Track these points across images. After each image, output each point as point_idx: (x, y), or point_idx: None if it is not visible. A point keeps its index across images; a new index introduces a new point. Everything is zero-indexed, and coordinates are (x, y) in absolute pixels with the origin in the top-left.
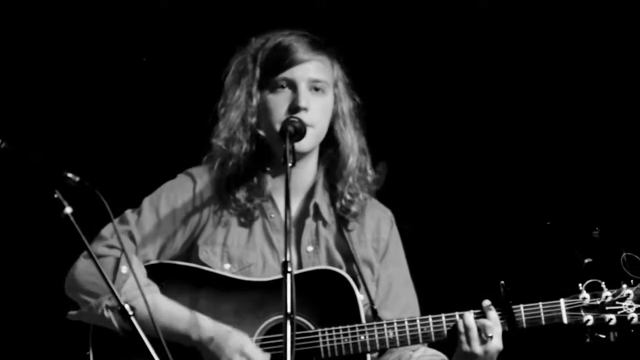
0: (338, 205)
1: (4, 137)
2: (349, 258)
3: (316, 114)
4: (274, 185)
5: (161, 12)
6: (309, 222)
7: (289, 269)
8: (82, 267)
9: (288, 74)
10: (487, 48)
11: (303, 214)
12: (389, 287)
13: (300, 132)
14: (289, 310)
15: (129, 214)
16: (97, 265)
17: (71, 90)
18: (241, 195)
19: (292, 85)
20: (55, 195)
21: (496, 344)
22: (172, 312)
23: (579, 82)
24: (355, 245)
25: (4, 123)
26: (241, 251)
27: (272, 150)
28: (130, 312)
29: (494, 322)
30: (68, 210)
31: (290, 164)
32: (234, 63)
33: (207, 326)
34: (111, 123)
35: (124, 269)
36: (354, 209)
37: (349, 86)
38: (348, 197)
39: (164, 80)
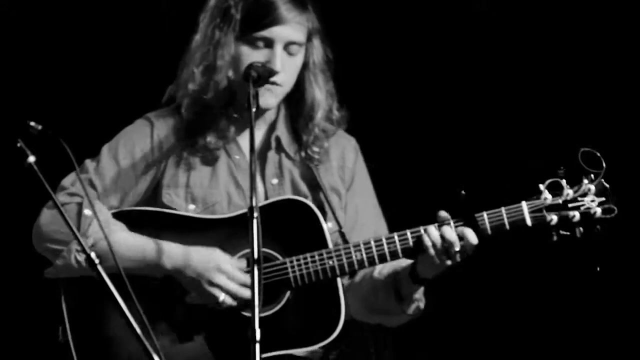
0: (303, 152)
1: None
2: (315, 187)
3: (287, 74)
4: (237, 127)
5: None
6: (272, 155)
7: (255, 214)
8: (46, 218)
9: (267, 32)
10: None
11: (265, 147)
12: (356, 215)
13: (263, 76)
14: (256, 256)
15: (88, 162)
16: (61, 212)
17: (35, 38)
18: (206, 138)
19: (269, 44)
20: (18, 144)
21: (471, 243)
22: (141, 245)
23: (576, 81)
24: (322, 173)
25: None
26: (205, 191)
27: (237, 95)
28: (97, 261)
29: (457, 234)
30: (31, 159)
31: (254, 109)
32: (213, 0)
33: (178, 252)
34: (71, 70)
35: (86, 212)
36: (316, 151)
37: (322, 37)
38: (314, 147)
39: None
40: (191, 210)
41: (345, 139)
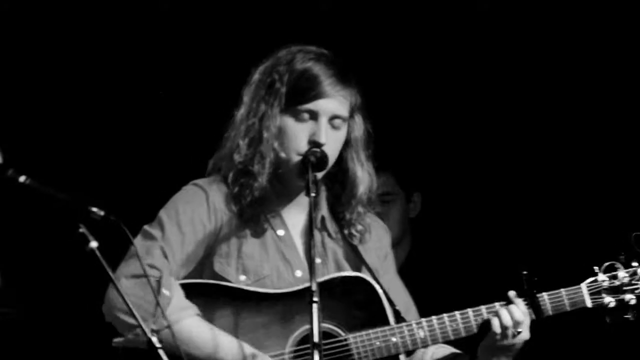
0: (346, 231)
1: (28, 174)
2: (358, 267)
3: (331, 148)
4: (282, 202)
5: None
6: (316, 234)
7: (315, 299)
8: (125, 288)
9: (312, 105)
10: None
11: (309, 227)
12: (390, 291)
13: (321, 163)
14: (316, 339)
15: (152, 229)
16: (144, 287)
17: (86, 123)
18: (252, 211)
19: (314, 117)
20: (80, 230)
21: (524, 335)
22: (209, 338)
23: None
24: (364, 253)
25: (26, 159)
26: (256, 263)
27: (285, 175)
28: (158, 346)
29: (523, 314)
30: (93, 244)
31: (313, 194)
32: (258, 74)
33: (231, 354)
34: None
35: (165, 291)
36: (359, 229)
37: (364, 113)
38: (356, 226)
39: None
40: (242, 281)
41: (376, 222)
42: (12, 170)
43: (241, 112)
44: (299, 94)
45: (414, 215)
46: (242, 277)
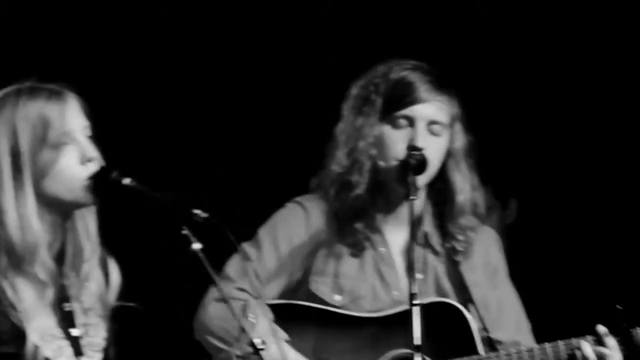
0: (448, 244)
1: (132, 175)
2: (460, 285)
3: (432, 154)
4: (383, 218)
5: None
6: (418, 250)
7: (416, 301)
8: (213, 311)
9: (408, 111)
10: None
11: (412, 243)
12: (499, 307)
13: (421, 166)
14: (418, 342)
15: (249, 249)
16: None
17: (191, 127)
18: (355, 227)
19: (411, 123)
20: (184, 232)
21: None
22: None
23: None
24: (465, 270)
25: (131, 160)
26: (352, 283)
27: (385, 185)
28: (260, 347)
29: (613, 349)
30: (197, 246)
31: (414, 197)
32: (356, 88)
33: None
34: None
35: (251, 316)
36: (461, 247)
37: (464, 124)
38: (458, 237)
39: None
40: (337, 300)
41: (487, 233)
42: (117, 173)
43: (340, 126)
44: (395, 101)
45: (510, 222)
46: (337, 297)
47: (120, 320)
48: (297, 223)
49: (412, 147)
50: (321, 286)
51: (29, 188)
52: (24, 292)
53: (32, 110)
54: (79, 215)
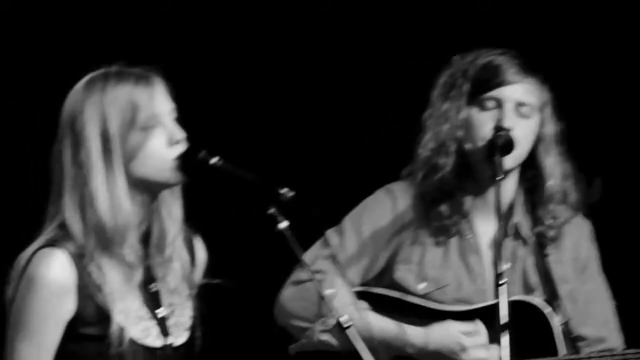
0: (536, 229)
1: (220, 154)
2: (547, 278)
3: (520, 135)
4: (472, 204)
5: None
6: (507, 241)
7: (503, 280)
8: (289, 294)
9: (496, 93)
10: None
11: (501, 233)
12: (587, 302)
13: (508, 145)
14: (504, 321)
15: (331, 235)
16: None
17: (279, 106)
18: (443, 209)
19: (499, 105)
20: (270, 211)
21: None
22: (382, 326)
23: None
24: (553, 264)
25: (217, 140)
26: (437, 271)
27: (473, 167)
28: (347, 324)
29: None
30: (283, 225)
31: (501, 177)
32: (443, 76)
33: (417, 334)
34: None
35: (328, 290)
36: (551, 233)
37: (554, 111)
38: (547, 222)
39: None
40: (421, 289)
41: (579, 225)
42: (204, 153)
43: (427, 112)
44: (483, 84)
45: (594, 201)
46: (422, 286)
47: (206, 298)
48: (383, 210)
49: (498, 128)
50: (406, 274)
51: (119, 170)
52: (110, 274)
53: (120, 94)
54: (165, 197)
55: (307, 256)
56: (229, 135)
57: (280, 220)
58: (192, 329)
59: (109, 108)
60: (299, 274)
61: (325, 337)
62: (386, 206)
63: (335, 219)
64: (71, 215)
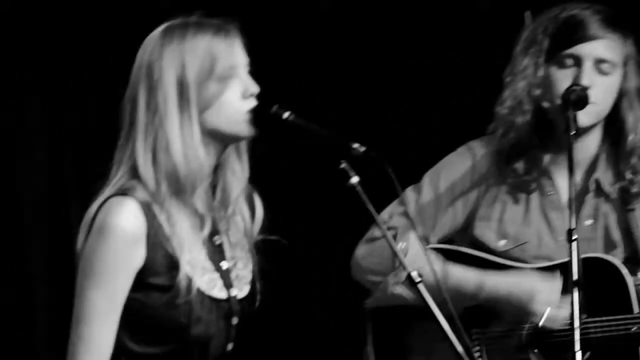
0: (618, 184)
1: (291, 109)
2: (629, 236)
3: (599, 92)
4: (552, 160)
5: None
6: (589, 197)
7: (575, 236)
8: (362, 251)
9: (574, 50)
10: None
11: (583, 189)
12: None
13: (582, 100)
14: (575, 277)
15: (409, 192)
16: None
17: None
18: (519, 166)
19: (578, 62)
20: (342, 166)
21: None
22: (459, 274)
23: None
24: (636, 221)
25: (290, 95)
26: (517, 228)
27: (552, 124)
28: (417, 279)
29: None
30: (355, 180)
31: (573, 132)
32: (526, 31)
33: (495, 282)
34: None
35: (401, 244)
36: (635, 189)
37: (639, 65)
38: (629, 176)
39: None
40: (501, 246)
41: None
42: (277, 107)
43: (507, 69)
44: (562, 40)
45: None
46: (502, 242)
47: (264, 254)
48: (461, 167)
49: (574, 84)
50: (486, 231)
51: (195, 118)
52: (180, 224)
53: (200, 43)
54: (232, 152)
55: (384, 213)
56: (300, 90)
57: (351, 176)
58: (253, 282)
59: (188, 56)
60: (373, 231)
61: (399, 289)
62: (465, 163)
63: (413, 176)
64: (143, 160)
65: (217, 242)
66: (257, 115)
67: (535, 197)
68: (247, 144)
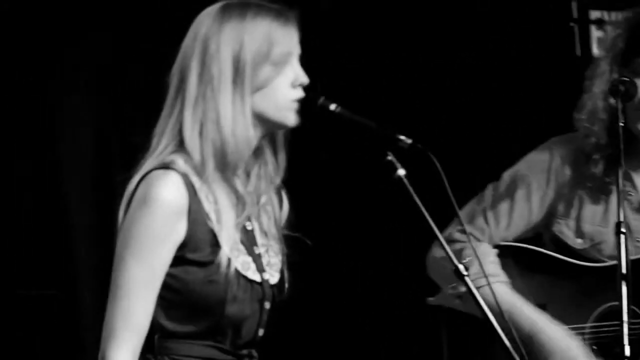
0: None
1: (338, 102)
2: None
3: None
4: (632, 163)
5: None
6: None
7: (623, 230)
8: (433, 252)
9: None
10: None
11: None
12: None
13: (629, 92)
14: (624, 270)
15: (488, 189)
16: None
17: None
18: (599, 168)
19: None
20: (388, 158)
21: None
22: (514, 316)
23: None
24: None
25: (337, 88)
26: (594, 228)
27: (625, 127)
28: (464, 273)
29: None
30: (401, 172)
31: (621, 123)
32: (610, 32)
33: (543, 343)
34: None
35: (468, 258)
36: None
37: None
38: None
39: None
40: (578, 244)
41: None
42: (323, 98)
43: (589, 70)
44: (635, 47)
45: None
46: (579, 241)
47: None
48: (540, 166)
49: (623, 75)
50: (564, 228)
51: (248, 96)
52: (221, 201)
53: (260, 26)
54: (273, 141)
55: (464, 211)
56: (345, 83)
57: (398, 168)
58: (282, 271)
59: (247, 35)
60: (450, 231)
61: (456, 301)
62: (543, 162)
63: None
64: (191, 131)
65: (249, 228)
66: (304, 106)
67: (614, 198)
68: (287, 138)
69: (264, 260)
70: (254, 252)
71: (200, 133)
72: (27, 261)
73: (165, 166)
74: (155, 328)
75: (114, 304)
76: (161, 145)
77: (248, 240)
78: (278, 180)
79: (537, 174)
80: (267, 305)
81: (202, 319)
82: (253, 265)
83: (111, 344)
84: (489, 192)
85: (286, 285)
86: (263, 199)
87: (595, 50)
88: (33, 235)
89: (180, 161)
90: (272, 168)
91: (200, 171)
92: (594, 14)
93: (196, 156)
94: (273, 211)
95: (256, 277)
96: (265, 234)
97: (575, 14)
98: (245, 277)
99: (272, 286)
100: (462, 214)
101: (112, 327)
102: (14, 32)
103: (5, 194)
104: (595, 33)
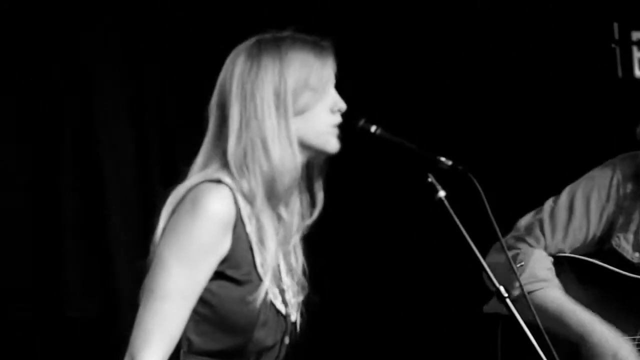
0: None
1: (378, 124)
2: None
3: None
4: None
5: None
6: None
7: None
8: (489, 257)
9: None
10: None
11: None
12: None
13: None
14: None
15: (548, 202)
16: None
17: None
18: None
19: None
20: (429, 180)
21: None
22: (555, 313)
23: None
24: None
25: (377, 111)
26: None
27: None
28: (505, 294)
29: None
30: (442, 193)
31: None
32: None
33: (592, 345)
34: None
35: (521, 262)
36: None
37: None
38: None
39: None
40: (636, 257)
41: None
42: (364, 121)
43: None
44: None
45: None
46: (637, 255)
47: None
48: (601, 182)
49: None
50: (623, 242)
51: (292, 125)
52: (266, 227)
53: (297, 56)
54: (309, 174)
55: (521, 221)
56: (383, 105)
57: (438, 189)
58: (301, 314)
59: (286, 67)
60: (507, 239)
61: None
62: (605, 178)
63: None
64: (239, 157)
65: (277, 262)
66: (344, 131)
67: None
68: (324, 172)
69: (287, 296)
70: (280, 286)
71: (248, 159)
72: (71, 282)
73: (217, 180)
74: (182, 342)
75: (152, 306)
76: (213, 166)
77: (275, 274)
78: (314, 216)
79: (599, 188)
80: (287, 340)
81: (231, 338)
82: (279, 297)
83: (143, 346)
84: (548, 204)
85: (298, 330)
86: (296, 238)
87: (638, 71)
88: (74, 254)
89: (227, 179)
90: (306, 204)
91: (248, 196)
92: (636, 35)
93: (244, 184)
94: (298, 260)
95: (282, 309)
96: (291, 274)
97: (617, 36)
98: (274, 306)
99: (292, 323)
100: (520, 225)
101: (146, 329)
102: (28, 31)
103: (48, 215)
104: (637, 54)
